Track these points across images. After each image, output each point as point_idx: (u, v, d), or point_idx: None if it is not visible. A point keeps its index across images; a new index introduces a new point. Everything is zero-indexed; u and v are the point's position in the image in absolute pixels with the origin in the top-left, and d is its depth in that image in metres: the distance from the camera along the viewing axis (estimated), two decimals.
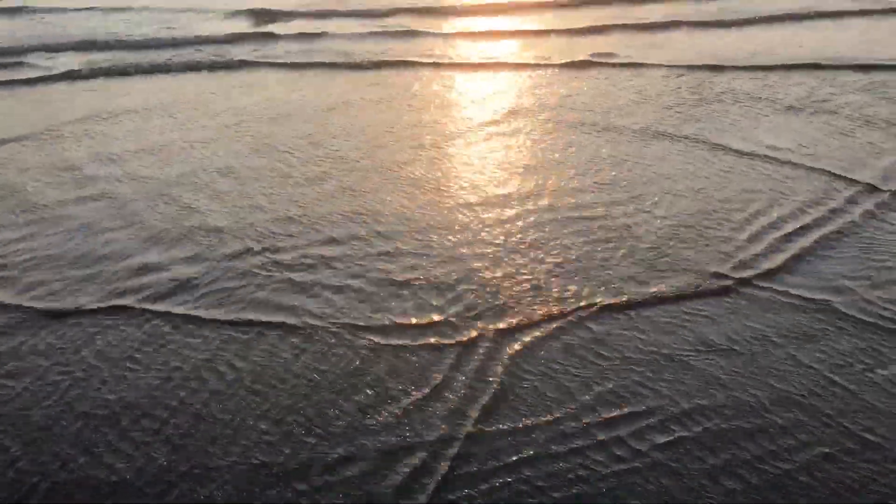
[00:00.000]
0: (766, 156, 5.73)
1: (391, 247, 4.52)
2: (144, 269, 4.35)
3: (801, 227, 4.64)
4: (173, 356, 3.60)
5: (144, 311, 3.96)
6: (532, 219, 4.83)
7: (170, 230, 4.80)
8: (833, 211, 4.87)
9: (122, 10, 11.72)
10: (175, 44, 9.68)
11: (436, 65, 8.74)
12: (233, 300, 4.04)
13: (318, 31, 10.42)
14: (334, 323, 3.82)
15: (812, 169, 5.48)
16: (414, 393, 3.31)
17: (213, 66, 8.79)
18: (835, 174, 5.38)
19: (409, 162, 5.82)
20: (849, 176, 5.34)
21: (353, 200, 5.15)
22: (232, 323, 3.84)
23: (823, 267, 4.24)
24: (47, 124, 6.86)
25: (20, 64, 8.96)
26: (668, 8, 11.70)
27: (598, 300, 3.94)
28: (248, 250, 4.52)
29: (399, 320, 3.83)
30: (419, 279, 4.18)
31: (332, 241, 4.62)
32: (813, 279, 4.12)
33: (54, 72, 8.53)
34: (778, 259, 4.30)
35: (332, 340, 3.68)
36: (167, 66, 8.77)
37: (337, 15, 11.61)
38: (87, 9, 11.76)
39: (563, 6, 11.81)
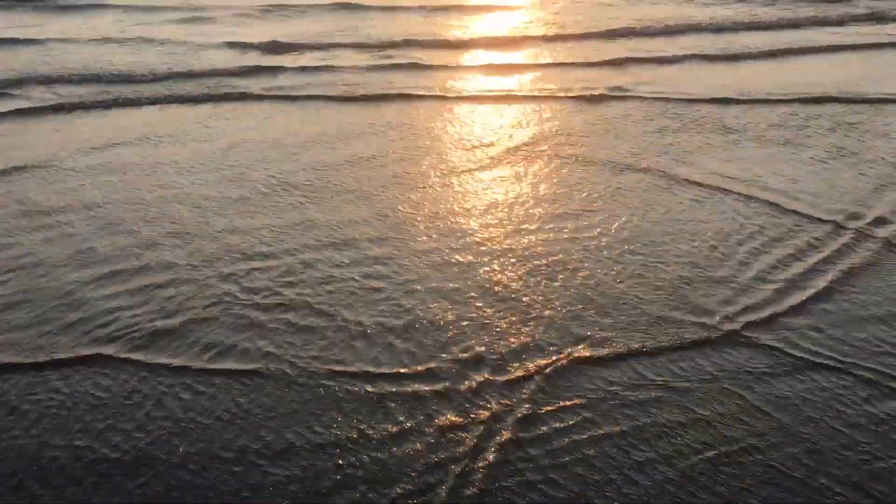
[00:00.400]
0: (769, 201, 5.55)
1: (359, 287, 4.38)
2: (113, 315, 4.20)
3: (789, 277, 4.47)
4: (148, 407, 3.46)
5: (112, 359, 3.80)
6: (503, 264, 4.68)
7: (133, 269, 4.69)
8: (813, 255, 4.70)
9: (131, 41, 11.76)
10: (174, 76, 9.66)
11: (432, 97, 8.64)
12: (208, 346, 3.91)
13: (324, 63, 10.36)
14: (299, 365, 3.67)
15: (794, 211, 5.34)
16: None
17: (209, 99, 8.75)
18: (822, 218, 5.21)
19: (385, 195, 5.71)
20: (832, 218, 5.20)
21: (323, 235, 5.03)
22: (212, 372, 3.71)
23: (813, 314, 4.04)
24: (17, 158, 6.76)
25: (7, 95, 8.94)
26: (681, 42, 11.54)
27: (572, 352, 3.78)
28: (219, 292, 4.40)
29: (369, 368, 3.70)
30: (389, 322, 4.04)
31: (303, 279, 4.50)
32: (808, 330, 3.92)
33: (37, 104, 8.48)
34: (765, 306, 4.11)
35: (299, 382, 3.55)
36: (158, 98, 8.75)
37: (347, 47, 11.51)
38: (95, 40, 11.84)
39: (570, 38, 11.69)
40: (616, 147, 6.69)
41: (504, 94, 8.74)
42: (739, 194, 5.55)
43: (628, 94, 8.44)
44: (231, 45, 11.47)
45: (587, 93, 8.50)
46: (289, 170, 6.33)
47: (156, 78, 9.58)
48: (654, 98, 8.25)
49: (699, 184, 5.79)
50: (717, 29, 12.19)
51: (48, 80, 9.37)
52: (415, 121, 7.74)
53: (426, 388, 3.53)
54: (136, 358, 3.79)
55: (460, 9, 14.37)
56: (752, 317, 4.02)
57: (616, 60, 10.11)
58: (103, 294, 4.39)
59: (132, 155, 6.80)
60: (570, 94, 8.49)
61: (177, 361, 3.76)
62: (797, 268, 4.51)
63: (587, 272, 4.48)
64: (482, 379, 3.58)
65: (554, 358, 3.71)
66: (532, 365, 3.66)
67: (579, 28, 12.26)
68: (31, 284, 4.52)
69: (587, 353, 3.74)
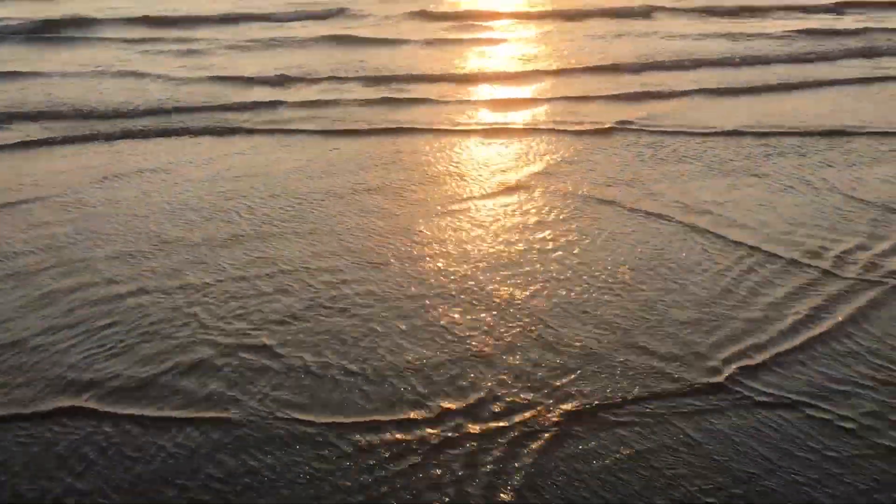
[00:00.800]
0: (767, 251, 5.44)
1: (324, 328, 4.27)
2: (80, 366, 4.05)
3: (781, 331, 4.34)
4: (126, 462, 3.32)
5: (88, 411, 3.65)
6: (480, 307, 4.59)
7: (98, 314, 4.56)
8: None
9: (128, 74, 11.74)
10: (170, 111, 9.60)
11: (420, 130, 8.61)
12: (176, 392, 3.78)
13: (325, 98, 10.23)
14: (269, 414, 3.55)
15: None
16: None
17: (198, 132, 8.70)
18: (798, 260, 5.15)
19: (362, 227, 5.71)
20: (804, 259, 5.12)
21: (296, 270, 4.94)
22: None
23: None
24: None
25: None
26: (679, 77, 11.50)
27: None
28: (189, 334, 4.29)
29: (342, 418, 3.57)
30: (348, 367, 3.92)
31: (274, 318, 4.39)
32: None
33: (24, 139, 8.38)
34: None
35: (267, 426, 3.40)
36: (141, 132, 8.72)
37: (345, 80, 11.38)
38: (91, 74, 11.84)
39: (566, 73, 11.65)
40: (602, 181, 6.63)
41: (497, 127, 8.70)
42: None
43: (625, 128, 8.42)
44: (226, 79, 11.43)
45: (578, 127, 8.47)
46: (268, 202, 6.31)
47: (149, 112, 9.53)
48: (651, 132, 8.22)
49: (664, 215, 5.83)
50: (711, 63, 12.19)
51: (39, 115, 9.33)
52: (403, 154, 7.70)
53: (378, 439, 3.41)
54: (103, 409, 3.66)
55: (457, 42, 14.40)
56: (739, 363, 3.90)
57: (612, 95, 10.08)
58: (67, 342, 4.28)
59: (111, 192, 6.71)
60: (562, 129, 8.45)
61: (147, 412, 3.64)
62: (774, 305, 4.42)
63: (552, 315, 4.38)
64: (445, 431, 3.45)
65: (528, 410, 3.58)
66: (503, 417, 3.53)
67: (571, 63, 12.23)
68: None
69: (563, 407, 3.61)
